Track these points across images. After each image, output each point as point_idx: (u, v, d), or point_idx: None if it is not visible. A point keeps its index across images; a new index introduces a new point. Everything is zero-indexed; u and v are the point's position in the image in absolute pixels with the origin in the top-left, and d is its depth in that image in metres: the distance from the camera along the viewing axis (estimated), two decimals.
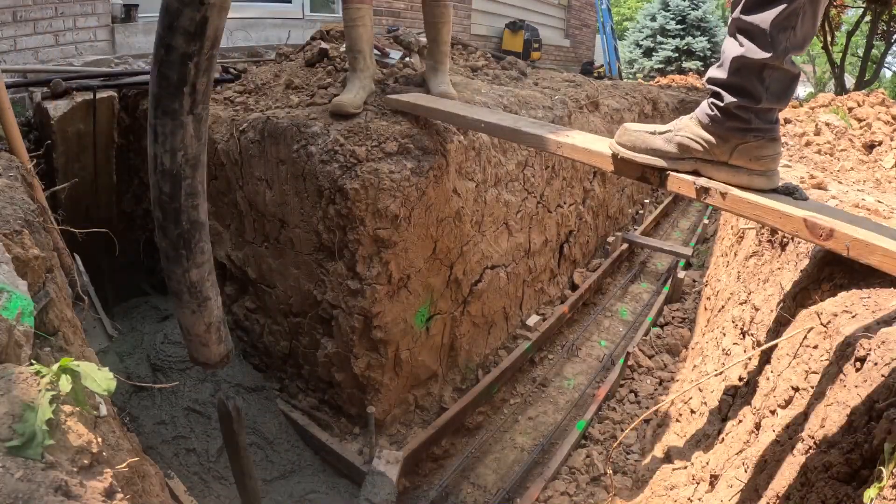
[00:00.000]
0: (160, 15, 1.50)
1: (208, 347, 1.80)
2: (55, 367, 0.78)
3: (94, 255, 2.85)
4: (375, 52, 3.56)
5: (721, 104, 1.52)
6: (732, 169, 1.56)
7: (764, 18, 1.40)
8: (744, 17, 1.44)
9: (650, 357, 3.45)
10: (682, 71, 15.47)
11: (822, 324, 1.31)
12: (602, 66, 10.15)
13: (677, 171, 1.65)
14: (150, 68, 1.56)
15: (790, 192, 1.54)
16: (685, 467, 1.88)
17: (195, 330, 1.76)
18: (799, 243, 1.77)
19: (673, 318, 4.01)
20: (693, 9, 16.79)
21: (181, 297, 1.69)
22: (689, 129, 1.62)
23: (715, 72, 1.55)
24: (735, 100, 1.49)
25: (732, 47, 1.49)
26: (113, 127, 3.06)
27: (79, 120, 2.91)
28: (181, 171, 1.57)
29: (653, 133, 1.68)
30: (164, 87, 1.51)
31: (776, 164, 1.55)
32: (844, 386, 1.09)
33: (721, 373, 1.96)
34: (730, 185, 1.56)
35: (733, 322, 2.20)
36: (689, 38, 16.57)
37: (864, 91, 6.61)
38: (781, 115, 4.13)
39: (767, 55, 1.41)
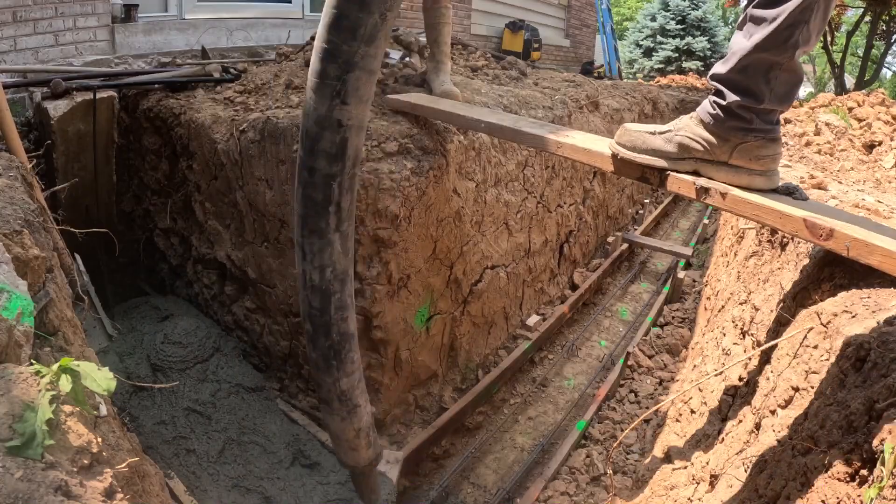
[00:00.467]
0: (301, 139, 1.53)
1: (357, 452, 1.87)
2: (55, 366, 0.78)
3: (95, 254, 2.86)
4: None
5: (723, 103, 1.51)
6: (732, 169, 1.55)
7: (780, 12, 1.37)
8: (757, 11, 1.40)
9: (650, 357, 3.45)
10: (682, 71, 15.47)
11: (822, 324, 1.31)
12: (602, 66, 10.15)
13: (677, 172, 1.65)
14: (294, 190, 1.57)
15: (790, 193, 1.54)
16: (685, 467, 1.88)
17: (345, 435, 1.81)
18: (799, 243, 1.77)
19: (673, 318, 4.01)
20: (693, 9, 16.79)
21: (331, 405, 1.73)
22: (689, 128, 1.61)
23: (719, 68, 1.53)
24: (738, 99, 1.48)
25: (741, 42, 1.47)
26: (113, 127, 3.06)
27: (79, 120, 2.91)
28: (330, 286, 1.60)
29: (653, 133, 1.68)
30: (310, 208, 1.54)
31: (776, 165, 1.55)
32: (844, 386, 1.09)
33: (721, 373, 1.96)
34: (730, 185, 1.56)
35: (733, 322, 2.20)
36: (689, 38, 16.58)
37: (864, 91, 6.61)
38: (781, 116, 4.13)
39: (778, 54, 1.40)
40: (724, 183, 1.57)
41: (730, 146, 1.54)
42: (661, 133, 1.67)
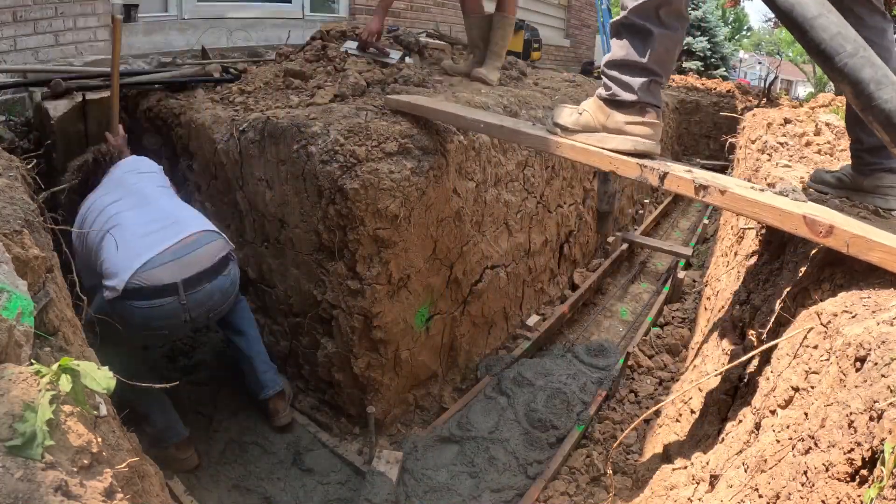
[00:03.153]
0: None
1: None
2: (55, 366, 0.78)
3: None
4: (374, 51, 3.56)
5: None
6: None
7: None
8: None
9: (650, 357, 3.45)
10: (681, 71, 15.46)
11: (822, 324, 1.31)
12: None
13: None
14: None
15: (786, 195, 1.54)
16: (685, 467, 1.88)
17: None
18: (799, 243, 1.77)
19: (673, 318, 4.01)
20: (693, 9, 16.79)
21: None
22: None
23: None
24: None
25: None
26: None
27: (79, 120, 2.91)
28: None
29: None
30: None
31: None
32: (844, 386, 1.09)
33: (721, 373, 1.96)
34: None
35: (733, 322, 2.20)
36: (689, 38, 16.57)
37: None
38: (781, 116, 4.13)
39: None
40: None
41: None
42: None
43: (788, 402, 1.32)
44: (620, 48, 1.82)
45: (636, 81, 1.80)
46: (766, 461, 1.27)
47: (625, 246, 4.92)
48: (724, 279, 3.08)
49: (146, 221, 2.22)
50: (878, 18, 1.71)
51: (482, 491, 2.44)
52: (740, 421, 1.62)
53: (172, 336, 2.87)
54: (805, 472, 1.07)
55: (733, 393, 1.84)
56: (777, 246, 2.07)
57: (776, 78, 9.28)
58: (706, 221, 5.80)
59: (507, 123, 2.25)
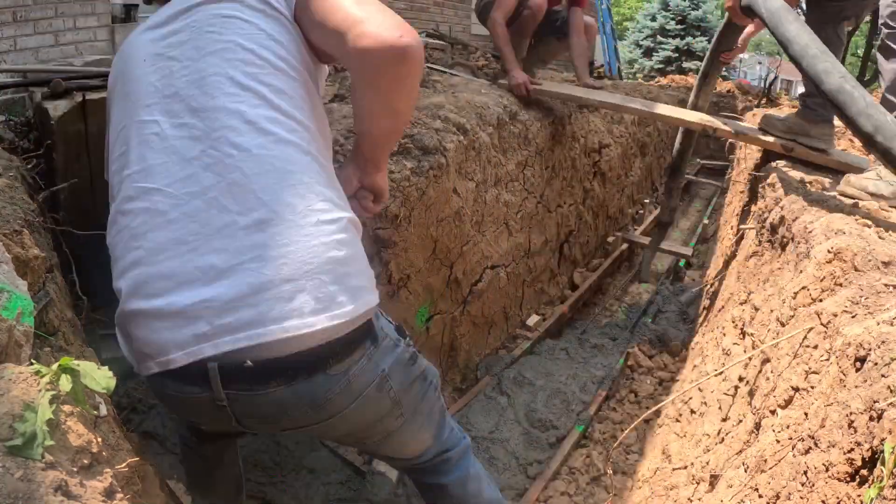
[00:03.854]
0: None
1: None
2: (55, 366, 0.78)
3: (95, 254, 2.85)
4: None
5: None
6: None
7: None
8: None
9: (650, 357, 3.45)
10: (682, 71, 15.45)
11: (822, 324, 1.31)
12: (602, 66, 10.15)
13: None
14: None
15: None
16: (685, 467, 1.88)
17: None
18: (799, 243, 1.77)
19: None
20: (693, 9, 16.79)
21: None
22: None
23: None
24: None
25: None
26: None
27: (79, 120, 2.91)
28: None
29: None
30: None
31: None
32: (844, 386, 1.09)
33: (721, 373, 1.96)
34: None
35: (733, 322, 2.20)
36: (689, 39, 16.58)
37: None
38: None
39: None
40: None
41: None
42: None
43: (788, 402, 1.32)
44: None
45: None
46: (766, 461, 1.27)
47: (625, 246, 4.92)
48: (724, 279, 3.08)
49: (192, 211, 1.07)
50: None
51: None
52: (740, 421, 1.62)
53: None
54: (805, 472, 1.07)
55: (733, 393, 1.84)
56: (777, 246, 2.08)
57: (776, 78, 9.27)
58: (706, 221, 5.80)
59: (616, 100, 3.40)
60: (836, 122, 2.36)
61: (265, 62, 1.16)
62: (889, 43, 2.01)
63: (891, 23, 1.99)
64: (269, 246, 1.04)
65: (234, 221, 1.06)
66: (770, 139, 2.72)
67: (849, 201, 1.98)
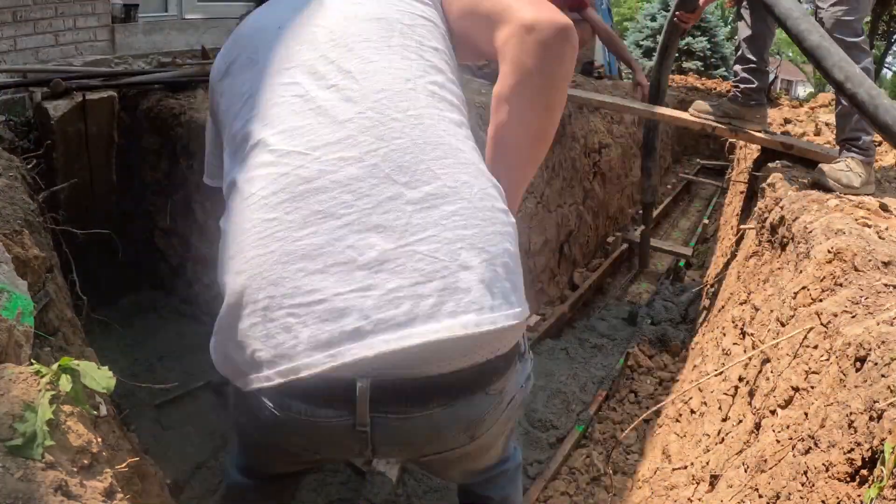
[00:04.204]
0: None
1: None
2: (55, 366, 0.78)
3: (95, 254, 2.85)
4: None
5: None
6: None
7: None
8: None
9: (650, 357, 3.45)
10: (682, 71, 15.46)
11: (822, 324, 1.31)
12: (602, 66, 10.15)
13: None
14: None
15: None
16: (685, 467, 1.88)
17: None
18: (799, 243, 1.77)
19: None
20: None
21: None
22: None
23: None
24: None
25: None
26: (113, 127, 3.06)
27: (79, 120, 2.91)
28: None
29: None
30: None
31: None
32: (844, 386, 1.09)
33: (721, 373, 1.96)
34: None
35: (733, 322, 2.20)
36: (689, 38, 16.56)
37: None
38: (781, 116, 4.14)
39: None
40: None
41: None
42: None
43: (788, 402, 1.32)
44: None
45: None
46: (766, 461, 1.27)
47: (625, 246, 4.92)
48: (724, 279, 3.08)
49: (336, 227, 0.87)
50: None
51: None
52: (740, 421, 1.62)
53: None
54: (805, 472, 1.07)
55: (733, 393, 1.84)
56: (777, 246, 2.08)
57: (776, 78, 9.28)
58: (706, 221, 5.80)
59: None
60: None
61: (424, 29, 1.05)
62: None
63: None
64: (443, 226, 0.86)
65: (400, 194, 0.87)
66: (769, 137, 2.75)
67: (827, 194, 2.07)
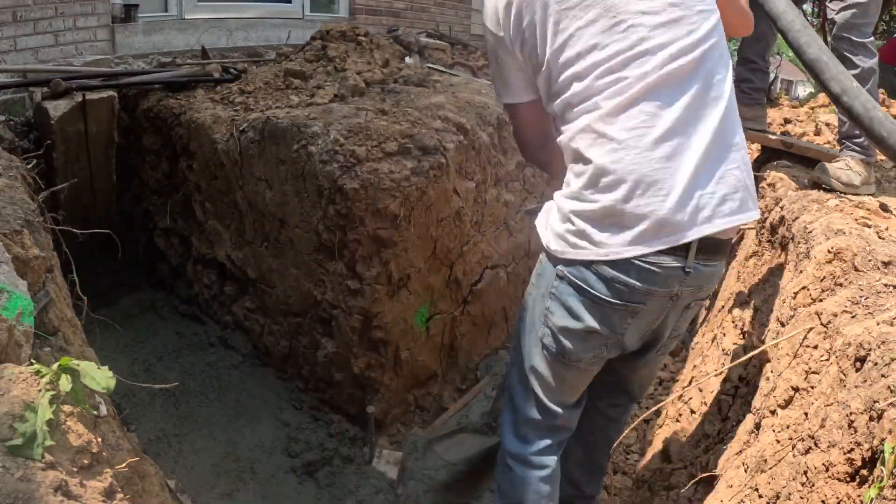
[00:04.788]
0: None
1: None
2: (55, 366, 0.78)
3: (95, 254, 2.85)
4: None
5: None
6: None
7: None
8: None
9: None
10: None
11: (822, 324, 1.31)
12: None
13: None
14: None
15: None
16: (685, 467, 1.88)
17: None
18: (799, 243, 1.77)
19: None
20: None
21: None
22: None
23: None
24: None
25: None
26: (113, 127, 3.06)
27: (79, 120, 2.91)
28: None
29: None
30: None
31: None
32: (844, 386, 1.09)
33: (721, 373, 1.96)
34: None
35: (733, 322, 2.20)
36: None
37: None
38: (781, 116, 4.14)
39: None
40: None
41: None
42: None
43: (788, 402, 1.32)
44: None
45: None
46: (766, 461, 1.27)
47: None
48: (723, 279, 3.07)
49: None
50: None
51: (482, 491, 2.44)
52: (740, 421, 1.62)
53: (605, 354, 1.51)
54: (805, 472, 1.07)
55: (733, 393, 1.84)
56: (777, 246, 2.08)
57: (776, 78, 9.27)
58: None
59: None
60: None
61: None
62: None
63: None
64: (743, 162, 1.36)
65: (727, 141, 1.34)
66: (770, 136, 2.74)
67: (827, 194, 2.06)
